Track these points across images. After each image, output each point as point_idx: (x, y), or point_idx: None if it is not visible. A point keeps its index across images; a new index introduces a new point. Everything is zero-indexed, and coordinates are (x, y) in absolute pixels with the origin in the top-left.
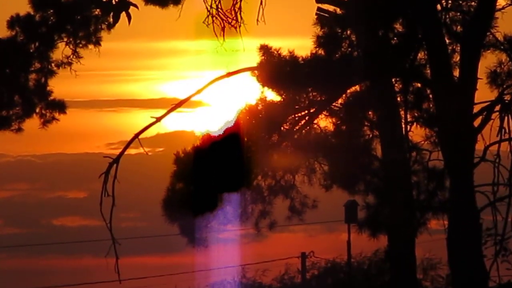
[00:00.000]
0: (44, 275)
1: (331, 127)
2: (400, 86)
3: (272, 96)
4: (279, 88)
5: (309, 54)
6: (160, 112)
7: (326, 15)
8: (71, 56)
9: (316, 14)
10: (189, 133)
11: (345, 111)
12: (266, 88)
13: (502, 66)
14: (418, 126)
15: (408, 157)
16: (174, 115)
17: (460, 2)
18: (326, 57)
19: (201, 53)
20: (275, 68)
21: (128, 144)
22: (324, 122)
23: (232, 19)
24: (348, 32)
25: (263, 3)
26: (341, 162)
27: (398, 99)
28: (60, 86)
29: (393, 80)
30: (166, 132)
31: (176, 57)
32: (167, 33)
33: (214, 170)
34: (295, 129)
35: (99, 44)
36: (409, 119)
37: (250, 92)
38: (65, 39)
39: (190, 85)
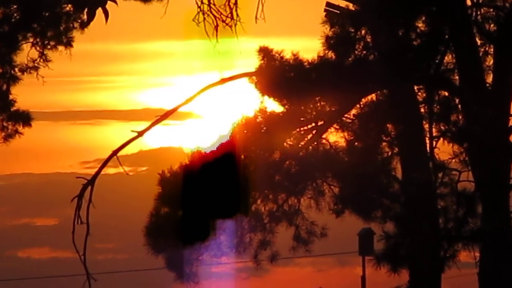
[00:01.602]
0: None
1: (342, 142)
2: (424, 94)
3: (274, 106)
4: (282, 97)
5: (317, 58)
6: (142, 125)
7: (337, 11)
8: (38, 60)
9: (325, 10)
10: (177, 149)
11: (359, 124)
12: (266, 97)
13: None
14: (445, 141)
15: (433, 178)
16: (159, 129)
17: None
18: (337, 60)
19: (190, 56)
20: (276, 74)
21: (105, 163)
22: (335, 136)
23: (227, 17)
24: (363, 31)
25: None
26: (355, 184)
27: (422, 110)
28: (25, 95)
29: (415, 87)
30: (149, 148)
31: (161, 60)
32: (150, 33)
33: (205, 193)
34: (300, 145)
35: (71, 46)
36: (434, 134)
37: (248, 102)
38: (31, 40)
39: (178, 93)
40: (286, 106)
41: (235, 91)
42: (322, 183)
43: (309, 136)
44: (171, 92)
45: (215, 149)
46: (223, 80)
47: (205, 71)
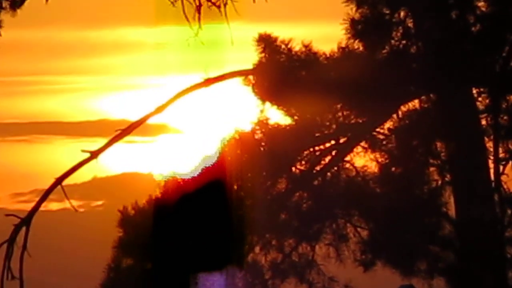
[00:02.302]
0: None
1: (373, 167)
2: (487, 101)
3: (278, 117)
4: (290, 104)
5: (337, 49)
6: (97, 143)
7: None
8: None
9: None
10: (145, 177)
11: (397, 142)
12: (268, 104)
13: None
14: None
15: (500, 216)
16: (121, 148)
17: None
18: (366, 54)
19: (163, 48)
20: (282, 72)
21: (45, 195)
22: (363, 159)
23: None
24: (402, 13)
25: None
26: (391, 225)
27: (484, 122)
28: None
29: (475, 91)
30: (107, 175)
31: (123, 54)
32: (109, 17)
33: (184, 238)
34: (315, 171)
35: None
36: (501, 155)
37: (243, 111)
38: None
39: (147, 99)
40: (296, 117)
41: (225, 96)
42: (345, 224)
43: (327, 159)
44: (138, 98)
45: (198, 176)
46: (209, 81)
47: (184, 68)
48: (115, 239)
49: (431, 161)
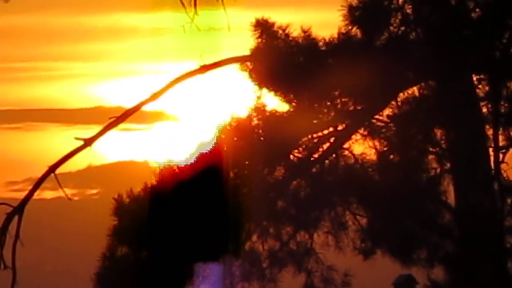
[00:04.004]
0: None
1: (372, 155)
2: (487, 88)
3: (276, 103)
4: (287, 91)
5: (336, 36)
6: (92, 131)
7: None
8: None
9: None
10: (140, 165)
11: (396, 129)
12: (265, 90)
13: None
14: None
15: (499, 205)
16: (116, 136)
17: None
18: (365, 40)
19: (159, 34)
20: (280, 58)
21: (38, 183)
22: (361, 146)
23: None
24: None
25: None
26: (390, 213)
27: (484, 109)
28: None
29: (474, 78)
30: (102, 163)
31: (119, 40)
32: (104, 2)
33: (180, 226)
34: (313, 159)
35: None
36: (501, 143)
37: (239, 98)
38: None
39: (142, 85)
40: (293, 104)
41: (222, 82)
42: (343, 212)
43: (326, 146)
44: (133, 85)
45: (194, 163)
46: (205, 68)
47: (180, 55)
48: (110, 228)
49: (430, 149)
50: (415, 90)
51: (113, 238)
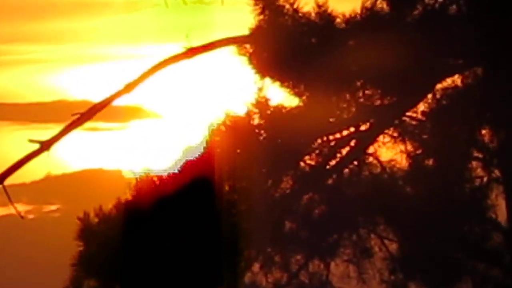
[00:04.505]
0: None
1: (403, 161)
2: None
3: (282, 97)
4: (296, 81)
5: (359, 11)
6: (50, 131)
7: None
8: None
9: None
10: (111, 174)
11: (432, 129)
12: (268, 79)
13: None
14: None
15: None
16: (80, 138)
17: None
18: (394, 15)
19: (135, 9)
20: (287, 39)
21: None
22: (390, 151)
23: None
24: None
25: None
26: (426, 235)
27: None
28: None
29: None
30: (64, 173)
31: (85, 17)
32: None
33: (162, 253)
34: (329, 167)
35: None
36: None
37: (236, 89)
38: None
39: (115, 74)
40: (305, 97)
41: (214, 70)
42: (368, 235)
43: (345, 151)
44: (103, 73)
45: (179, 173)
46: (193, 51)
47: (161, 35)
48: (74, 255)
49: (475, 153)
50: (456, 79)
51: (78, 267)
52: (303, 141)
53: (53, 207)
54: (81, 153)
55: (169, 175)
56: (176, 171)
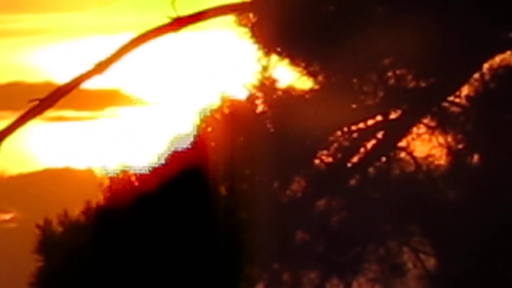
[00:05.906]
0: None
1: (442, 157)
2: None
3: (291, 77)
4: (310, 58)
5: None
6: (2, 121)
7: None
8: None
9: None
10: (79, 174)
11: (479, 118)
12: (275, 56)
13: None
14: None
15: None
16: (41, 130)
17: None
18: None
19: None
20: (297, 7)
21: None
22: (426, 145)
23: None
24: None
25: None
26: (470, 249)
27: None
28: None
29: None
30: (20, 173)
31: None
32: None
33: (142, 268)
34: (350, 164)
35: None
36: None
37: (235, 68)
38: None
39: (84, 50)
40: (320, 78)
41: (207, 45)
42: (399, 248)
43: (370, 145)
44: (70, 49)
45: (164, 169)
46: (180, 22)
47: (142, 3)
48: (32, 271)
49: None
50: (509, 57)
51: (38, 286)
52: (318, 133)
53: (7, 216)
54: (42, 148)
55: (151, 172)
56: (160, 167)
